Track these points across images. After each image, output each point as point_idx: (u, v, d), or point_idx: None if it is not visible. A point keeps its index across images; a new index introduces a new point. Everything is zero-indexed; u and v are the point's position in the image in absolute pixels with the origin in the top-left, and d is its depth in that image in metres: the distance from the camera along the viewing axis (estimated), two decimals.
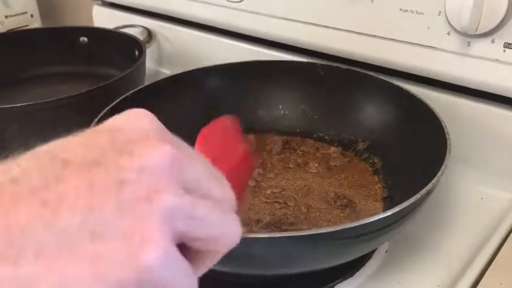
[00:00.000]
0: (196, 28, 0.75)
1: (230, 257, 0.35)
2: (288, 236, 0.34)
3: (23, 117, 0.58)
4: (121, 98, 0.53)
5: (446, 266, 0.45)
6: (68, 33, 0.79)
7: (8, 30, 0.89)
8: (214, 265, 0.37)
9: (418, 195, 0.36)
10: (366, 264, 0.44)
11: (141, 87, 0.58)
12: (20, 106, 0.57)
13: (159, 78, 0.59)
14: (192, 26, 0.76)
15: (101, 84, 0.60)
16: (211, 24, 0.72)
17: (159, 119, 0.55)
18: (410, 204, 0.36)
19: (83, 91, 0.59)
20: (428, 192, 0.37)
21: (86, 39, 0.78)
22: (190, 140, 0.56)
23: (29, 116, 0.58)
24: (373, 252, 0.45)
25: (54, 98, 0.58)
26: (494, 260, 0.45)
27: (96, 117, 0.49)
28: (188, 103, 0.59)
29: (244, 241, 0.33)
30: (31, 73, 0.78)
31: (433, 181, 0.38)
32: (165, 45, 0.81)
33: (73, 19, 1.02)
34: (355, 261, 0.42)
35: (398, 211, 0.35)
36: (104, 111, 0.50)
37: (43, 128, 0.59)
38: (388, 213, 0.35)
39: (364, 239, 0.37)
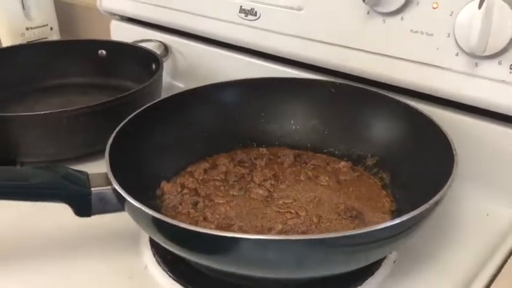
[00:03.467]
0: (211, 44, 0.78)
1: (245, 258, 0.37)
2: (302, 239, 0.35)
3: (43, 125, 0.60)
4: (140, 110, 0.55)
5: (452, 279, 0.46)
6: (88, 46, 0.81)
7: (28, 42, 0.93)
8: (225, 266, 0.38)
9: (426, 205, 0.38)
10: (375, 273, 0.45)
11: (158, 100, 0.60)
12: (41, 114, 0.59)
13: (174, 92, 0.61)
14: (207, 42, 0.78)
15: (121, 95, 0.62)
16: (225, 41, 0.75)
17: (174, 131, 0.58)
18: (419, 213, 0.38)
19: (103, 101, 0.61)
20: (436, 203, 0.39)
21: (104, 52, 0.81)
22: (204, 153, 0.59)
23: (48, 124, 0.60)
24: (381, 261, 0.46)
25: (74, 108, 0.60)
26: (499, 274, 0.46)
27: (114, 128, 0.51)
28: (202, 117, 0.61)
29: (259, 242, 0.35)
30: (50, 83, 0.80)
31: (441, 192, 0.39)
32: (180, 60, 0.83)
33: (90, 33, 1.05)
34: (363, 270, 0.43)
35: (407, 219, 0.37)
36: (124, 122, 0.52)
37: (61, 137, 0.61)
38: (397, 220, 0.37)
39: (373, 246, 0.38)
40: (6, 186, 0.41)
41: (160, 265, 0.46)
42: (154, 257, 0.47)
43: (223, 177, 0.55)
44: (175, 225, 0.36)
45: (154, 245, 0.48)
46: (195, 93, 0.61)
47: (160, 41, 0.83)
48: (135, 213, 0.40)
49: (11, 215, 0.53)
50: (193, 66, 0.82)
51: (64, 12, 1.05)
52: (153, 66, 0.73)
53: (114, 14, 0.91)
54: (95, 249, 0.49)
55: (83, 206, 0.43)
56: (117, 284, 0.46)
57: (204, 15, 0.74)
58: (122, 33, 0.90)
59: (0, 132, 0.59)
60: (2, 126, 0.59)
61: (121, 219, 0.44)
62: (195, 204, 0.50)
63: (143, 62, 0.75)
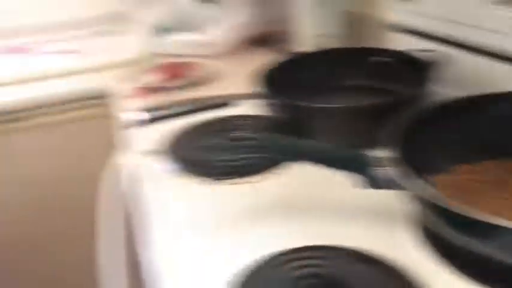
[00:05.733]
0: (486, 56, 0.81)
1: None
2: None
3: (334, 116, 0.77)
4: (424, 107, 0.65)
5: None
6: (363, 54, 0.94)
7: (318, 48, 1.11)
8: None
9: None
10: None
11: (431, 105, 0.67)
12: (337, 107, 0.77)
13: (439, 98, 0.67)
14: (482, 54, 0.81)
15: (398, 97, 0.75)
16: (502, 54, 0.77)
17: (448, 132, 0.63)
18: None
19: (379, 102, 0.76)
20: None
21: (384, 59, 0.92)
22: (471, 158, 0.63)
23: (339, 116, 0.76)
24: None
25: (366, 103, 0.75)
26: None
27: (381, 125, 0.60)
28: (475, 125, 0.65)
29: None
30: (337, 84, 0.94)
31: None
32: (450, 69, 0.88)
33: (362, 41, 1.17)
34: None
35: None
36: (413, 114, 0.62)
37: (354, 127, 0.76)
38: None
39: None
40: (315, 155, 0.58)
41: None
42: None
43: (492, 179, 0.60)
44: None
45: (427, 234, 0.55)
46: (468, 101, 0.67)
47: (433, 51, 0.89)
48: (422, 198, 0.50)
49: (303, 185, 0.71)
50: (458, 75, 0.85)
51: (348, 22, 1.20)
52: (424, 74, 0.81)
53: (402, 28, 0.99)
54: (364, 219, 0.62)
55: (374, 180, 0.55)
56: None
57: (482, 28, 0.79)
58: (397, 42, 1.00)
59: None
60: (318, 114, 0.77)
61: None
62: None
63: (415, 70, 0.83)
